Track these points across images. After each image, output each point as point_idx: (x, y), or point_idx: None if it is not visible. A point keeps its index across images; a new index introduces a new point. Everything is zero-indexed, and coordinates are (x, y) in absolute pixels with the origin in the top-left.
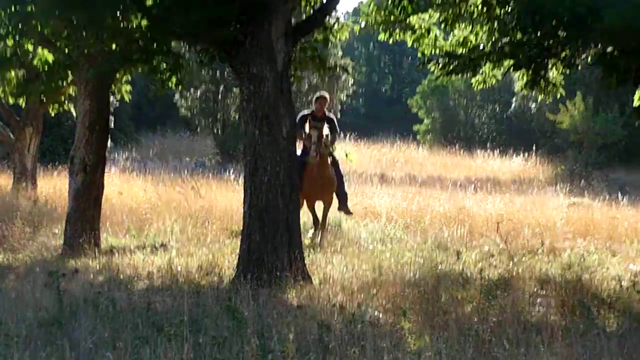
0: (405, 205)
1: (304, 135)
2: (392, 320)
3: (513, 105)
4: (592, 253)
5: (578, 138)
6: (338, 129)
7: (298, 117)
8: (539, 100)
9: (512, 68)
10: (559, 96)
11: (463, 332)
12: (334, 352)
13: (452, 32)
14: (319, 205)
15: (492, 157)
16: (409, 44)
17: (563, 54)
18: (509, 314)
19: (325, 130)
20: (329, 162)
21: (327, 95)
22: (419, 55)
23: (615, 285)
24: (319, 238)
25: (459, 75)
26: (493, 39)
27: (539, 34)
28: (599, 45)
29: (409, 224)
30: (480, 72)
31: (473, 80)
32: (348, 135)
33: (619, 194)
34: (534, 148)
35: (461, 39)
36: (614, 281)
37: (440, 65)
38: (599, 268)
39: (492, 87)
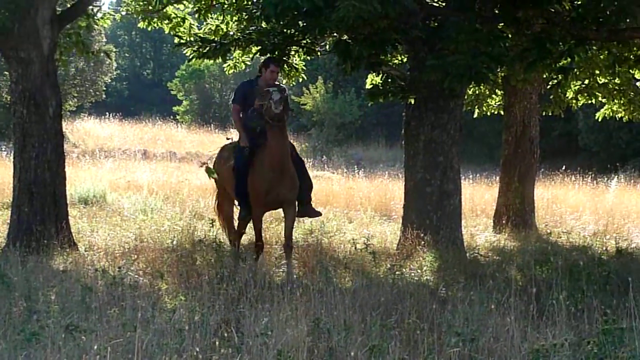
0: (166, 179)
1: (256, 100)
2: (151, 282)
3: None
4: (331, 220)
5: (320, 118)
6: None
7: (238, 88)
8: (284, 83)
9: (258, 54)
10: (301, 80)
11: (215, 292)
12: (95, 312)
13: (205, 21)
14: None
15: None
16: (167, 31)
17: (304, 42)
18: (257, 275)
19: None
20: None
21: (279, 62)
22: (176, 40)
23: (350, 248)
24: (286, 266)
25: (212, 59)
26: (242, 27)
27: (281, 23)
28: (335, 34)
29: (169, 196)
30: (231, 57)
31: (225, 65)
32: (112, 115)
33: (356, 168)
34: None
35: (214, 27)
36: (349, 244)
37: (195, 50)
38: (337, 233)
39: (243, 71)
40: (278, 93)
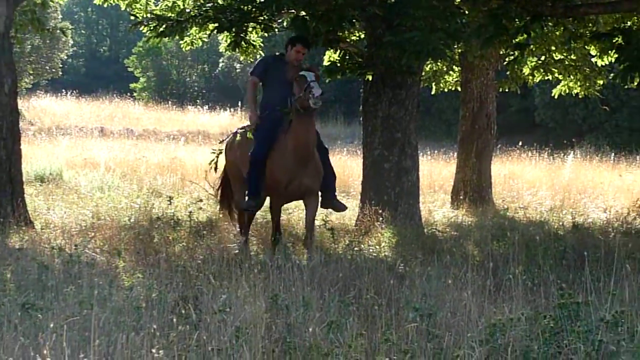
0: (123, 156)
1: (295, 78)
2: (108, 260)
3: (220, 65)
4: None
5: None
6: None
7: (261, 60)
8: (242, 60)
9: (216, 30)
10: (258, 57)
11: (173, 269)
12: (52, 290)
13: None
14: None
15: (202, 112)
16: (123, 8)
17: (261, 18)
18: (215, 251)
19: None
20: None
21: (307, 42)
22: (132, 18)
23: None
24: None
25: (169, 37)
26: (199, 4)
27: None
28: (293, 10)
29: (126, 173)
30: (188, 34)
31: (182, 42)
32: (68, 93)
33: None
34: (239, 104)
35: (170, 4)
36: None
37: (151, 28)
38: (296, 209)
39: (200, 48)
40: (319, 88)
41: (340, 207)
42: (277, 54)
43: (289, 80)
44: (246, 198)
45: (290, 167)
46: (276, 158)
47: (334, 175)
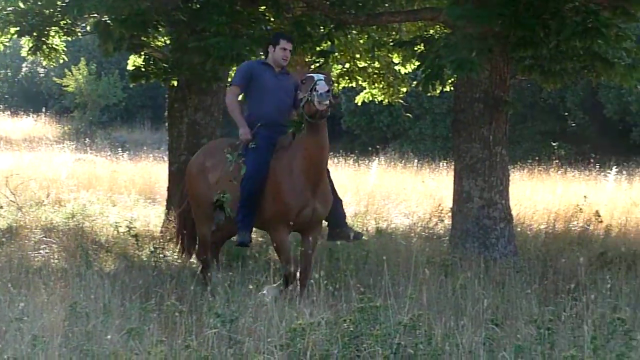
0: None
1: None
2: None
3: (23, 70)
4: (94, 203)
5: (83, 100)
6: None
7: (242, 66)
8: (45, 64)
9: (17, 35)
10: (62, 61)
11: None
12: None
13: None
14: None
15: (4, 117)
16: None
17: (63, 22)
18: (14, 260)
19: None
20: None
21: (291, 38)
22: None
23: (113, 231)
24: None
25: None
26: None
27: (39, 3)
28: (96, 14)
29: None
30: None
31: None
32: None
33: (120, 151)
34: (43, 109)
35: None
36: (112, 227)
37: None
38: (100, 216)
39: (3, 53)
40: (325, 83)
41: (357, 236)
42: (261, 59)
43: (282, 87)
44: (238, 233)
45: (302, 191)
46: (283, 180)
47: (341, 200)
